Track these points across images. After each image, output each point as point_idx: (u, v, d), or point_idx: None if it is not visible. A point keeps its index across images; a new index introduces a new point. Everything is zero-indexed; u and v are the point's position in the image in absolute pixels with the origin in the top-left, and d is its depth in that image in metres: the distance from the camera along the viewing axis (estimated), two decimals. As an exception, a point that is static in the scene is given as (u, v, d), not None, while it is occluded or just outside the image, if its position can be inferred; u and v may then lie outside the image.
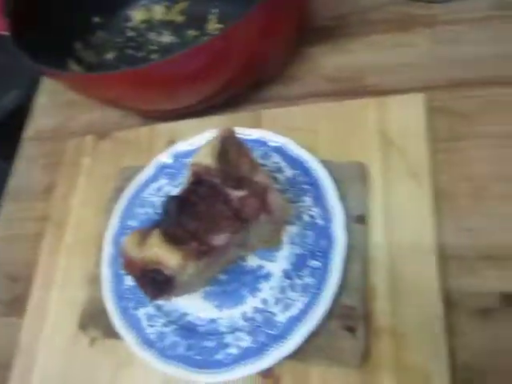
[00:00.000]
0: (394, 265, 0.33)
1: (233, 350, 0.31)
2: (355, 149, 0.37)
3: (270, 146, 0.37)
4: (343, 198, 0.34)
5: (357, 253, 0.33)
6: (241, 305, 0.33)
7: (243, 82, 0.45)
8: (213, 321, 0.33)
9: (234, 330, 0.32)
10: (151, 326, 0.34)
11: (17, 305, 0.42)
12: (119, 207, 0.39)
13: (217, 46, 0.36)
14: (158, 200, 0.38)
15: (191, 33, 0.52)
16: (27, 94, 0.61)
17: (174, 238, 0.28)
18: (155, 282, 0.28)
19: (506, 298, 0.31)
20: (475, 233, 0.33)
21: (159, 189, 0.39)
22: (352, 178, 0.35)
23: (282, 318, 0.31)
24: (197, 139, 0.39)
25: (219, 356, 0.31)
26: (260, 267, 0.34)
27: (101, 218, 0.42)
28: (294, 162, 0.36)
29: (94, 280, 0.38)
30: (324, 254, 0.32)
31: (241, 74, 0.42)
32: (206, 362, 0.31)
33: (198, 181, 0.29)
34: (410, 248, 0.33)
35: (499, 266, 0.32)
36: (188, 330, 0.33)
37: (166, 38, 0.53)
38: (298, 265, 0.33)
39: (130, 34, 0.55)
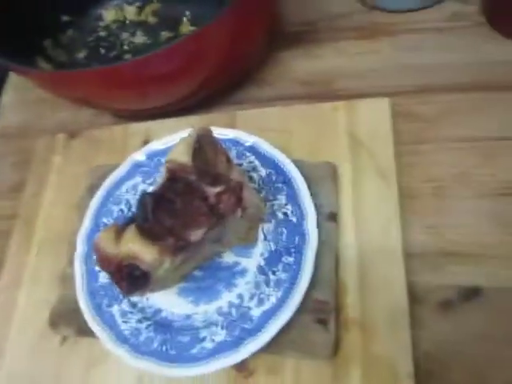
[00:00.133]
0: (363, 261, 0.34)
1: (208, 345, 0.32)
2: (326, 149, 0.38)
3: (244, 146, 0.38)
4: (315, 196, 0.35)
5: (328, 249, 0.34)
6: (216, 300, 0.33)
7: (216, 84, 0.45)
8: (188, 316, 0.33)
9: (209, 324, 0.32)
10: (125, 322, 0.34)
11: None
12: (93, 205, 0.39)
13: (189, 47, 0.37)
14: (132, 198, 0.38)
15: (165, 34, 0.52)
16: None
17: (150, 234, 0.28)
18: (131, 278, 0.28)
19: (464, 292, 0.33)
20: (437, 230, 0.35)
21: (134, 187, 0.39)
22: (323, 178, 0.36)
23: (256, 312, 0.32)
24: (172, 138, 0.39)
25: (194, 350, 0.32)
26: (236, 263, 0.34)
27: (72, 216, 0.41)
28: (268, 162, 0.37)
29: (66, 278, 0.38)
30: (297, 251, 0.33)
31: (213, 76, 0.43)
32: (180, 357, 0.32)
33: (174, 178, 0.29)
34: (377, 245, 0.34)
35: (458, 261, 0.34)
36: (163, 325, 0.33)
37: (139, 38, 0.53)
38: (273, 261, 0.34)
39: (102, 33, 0.55)
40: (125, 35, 0.54)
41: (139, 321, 0.34)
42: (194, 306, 0.34)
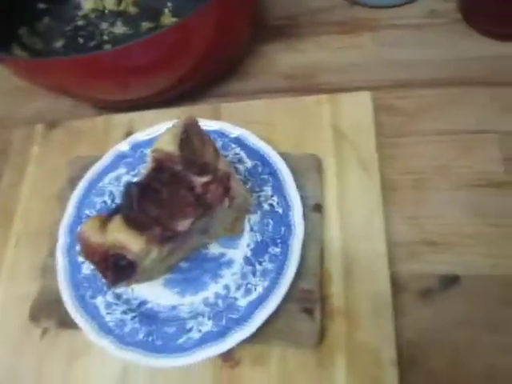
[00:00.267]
0: (347, 251, 0.35)
1: (194, 335, 0.31)
2: (311, 142, 0.39)
3: (230, 138, 0.38)
4: (301, 188, 0.35)
5: (314, 240, 0.34)
6: (202, 291, 0.33)
7: (199, 77, 0.45)
8: (174, 307, 0.33)
9: (195, 315, 0.32)
10: (110, 313, 0.33)
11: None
12: (75, 196, 0.38)
13: (170, 38, 0.36)
14: (116, 189, 0.38)
15: (145, 25, 0.51)
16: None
17: (136, 224, 0.27)
18: (117, 267, 0.27)
19: (444, 280, 0.34)
20: (417, 221, 0.36)
21: (117, 178, 0.38)
22: (308, 170, 0.37)
23: (243, 302, 0.32)
24: (157, 129, 0.39)
25: (180, 341, 0.31)
26: (222, 254, 0.35)
27: (51, 207, 0.40)
28: (254, 154, 0.37)
29: (47, 270, 0.37)
30: (283, 241, 0.33)
31: (195, 68, 0.43)
32: (166, 347, 0.31)
33: (160, 167, 0.29)
34: (361, 236, 0.35)
35: (438, 250, 0.35)
36: (148, 317, 0.33)
37: (119, 28, 0.52)
38: (259, 251, 0.34)
39: (80, 22, 0.53)
40: (104, 25, 0.53)
41: (124, 312, 0.33)
42: (180, 297, 0.34)
